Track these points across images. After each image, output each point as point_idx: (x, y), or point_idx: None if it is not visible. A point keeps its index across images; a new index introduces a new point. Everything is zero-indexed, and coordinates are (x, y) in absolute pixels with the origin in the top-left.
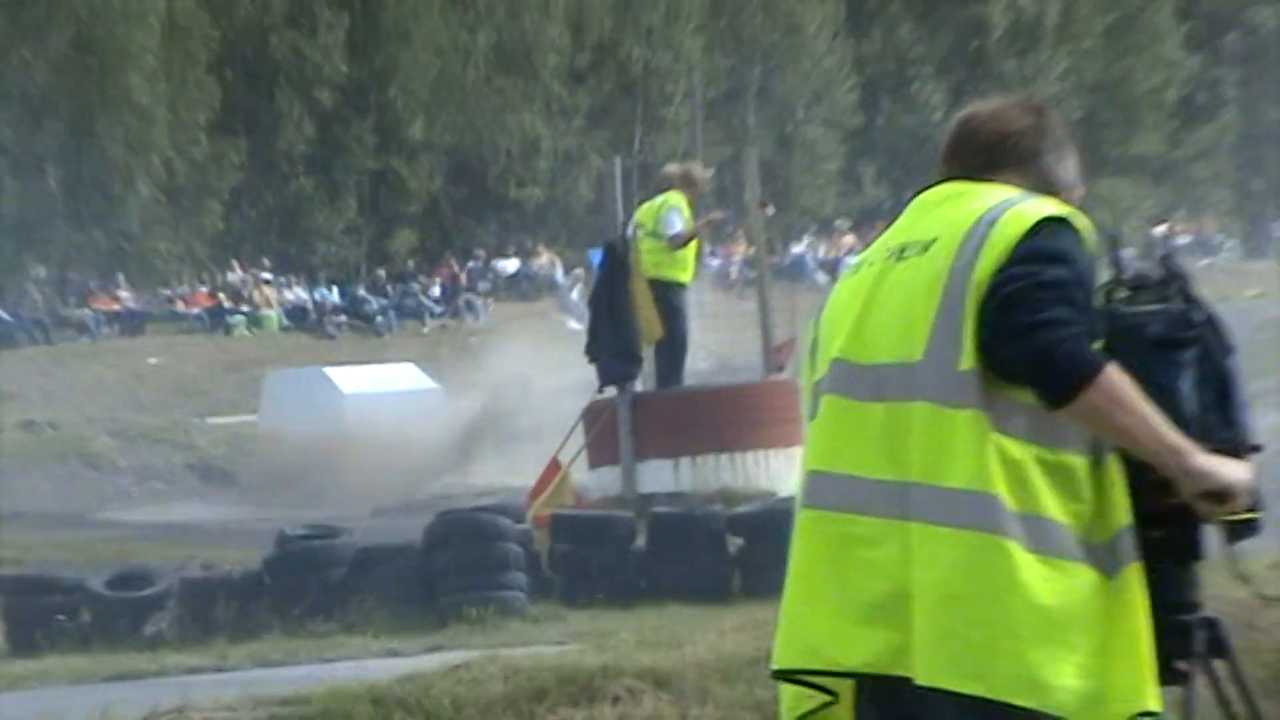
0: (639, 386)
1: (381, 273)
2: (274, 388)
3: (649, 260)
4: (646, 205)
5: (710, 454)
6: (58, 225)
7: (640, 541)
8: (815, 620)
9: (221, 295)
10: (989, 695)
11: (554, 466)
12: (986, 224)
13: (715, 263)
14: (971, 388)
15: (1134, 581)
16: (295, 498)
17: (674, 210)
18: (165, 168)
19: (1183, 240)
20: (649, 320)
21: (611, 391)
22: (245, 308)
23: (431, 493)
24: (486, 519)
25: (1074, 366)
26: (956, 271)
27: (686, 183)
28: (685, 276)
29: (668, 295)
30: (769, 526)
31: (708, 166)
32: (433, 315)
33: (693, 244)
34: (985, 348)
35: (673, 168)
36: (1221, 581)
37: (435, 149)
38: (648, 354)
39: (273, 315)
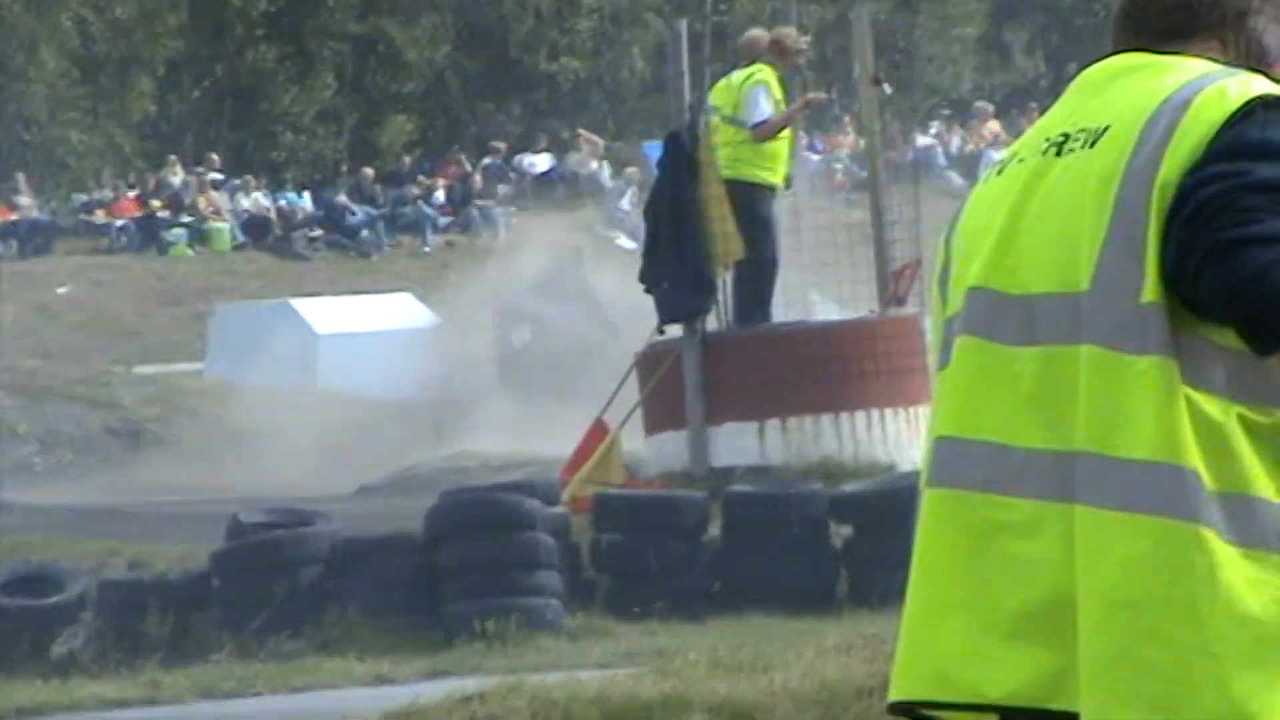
0: (711, 325)
1: (368, 173)
2: (225, 326)
3: (727, 156)
4: (723, 83)
5: (807, 415)
6: None
7: (713, 531)
8: (947, 636)
9: (154, 203)
10: None
11: (598, 431)
12: (1175, 107)
13: (814, 159)
14: (1156, 327)
15: None
16: (253, 472)
17: (760, 89)
18: (78, 31)
19: None
20: (726, 236)
21: (675, 331)
22: (186, 219)
23: (433, 465)
24: (507, 501)
25: None
26: (1135, 171)
27: (777, 52)
28: (775, 177)
29: (752, 202)
30: (885, 511)
31: (804, 31)
32: (436, 229)
33: (784, 134)
34: (1174, 273)
35: (758, 32)
36: None
37: (440, 6)
38: (723, 281)
39: (223, 229)
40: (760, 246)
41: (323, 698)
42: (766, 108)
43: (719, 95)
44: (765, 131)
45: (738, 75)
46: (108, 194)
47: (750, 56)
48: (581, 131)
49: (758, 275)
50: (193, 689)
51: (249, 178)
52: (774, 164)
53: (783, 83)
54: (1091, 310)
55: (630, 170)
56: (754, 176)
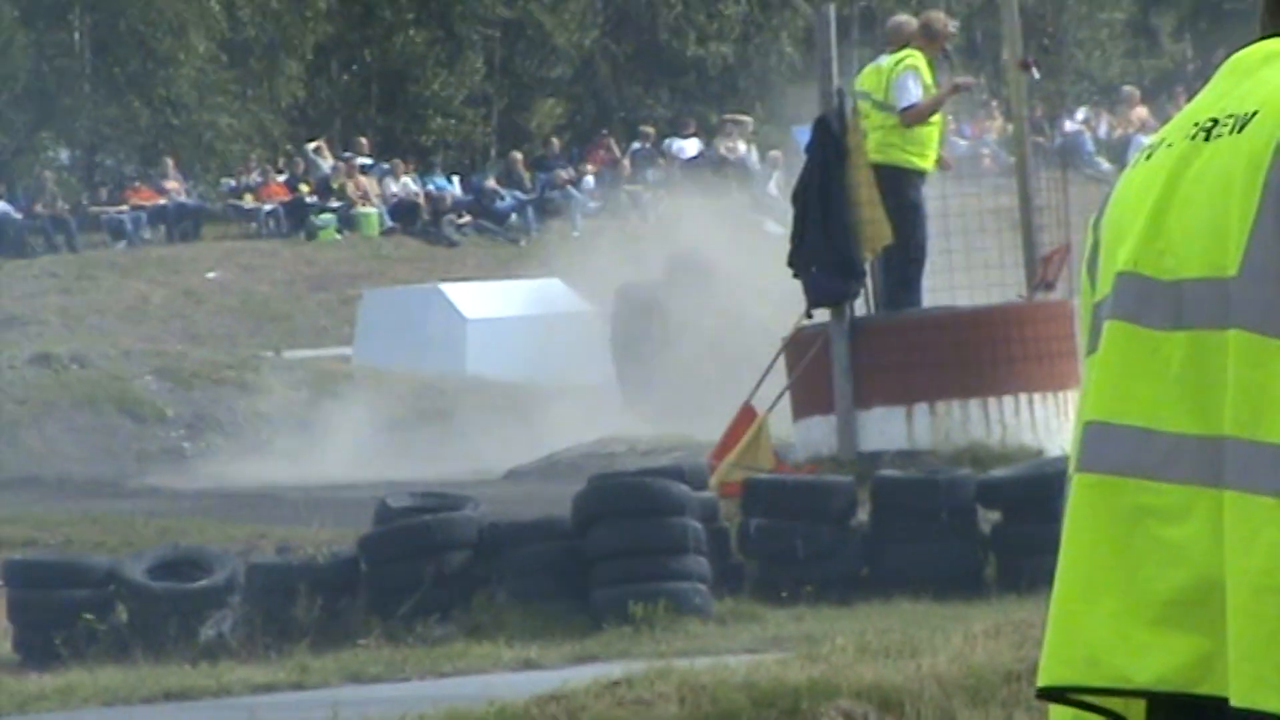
0: (860, 309)
1: (517, 157)
2: (374, 311)
3: (876, 140)
4: (873, 67)
5: (955, 400)
6: (84, 93)
7: (861, 516)
8: (1096, 621)
9: (303, 187)
10: None
11: (746, 416)
12: None
13: (962, 144)
14: None
15: None
16: (401, 456)
17: (909, 74)
18: (227, 15)
19: None
20: (874, 221)
21: (823, 316)
22: (335, 204)
23: (583, 450)
24: (655, 486)
25: None
26: None
27: (926, 37)
28: (924, 162)
29: (901, 187)
30: (1033, 496)
31: (952, 16)
32: (585, 214)
33: (935, 119)
34: None
35: (906, 17)
36: None
37: None
38: (871, 266)
39: (372, 214)
40: (909, 231)
41: (471, 682)
42: (916, 92)
43: (868, 80)
44: (914, 116)
45: (887, 60)
46: (255, 179)
47: (899, 41)
48: (729, 115)
49: (906, 260)
50: (340, 673)
51: (397, 162)
52: (923, 148)
53: (932, 67)
54: (1240, 295)
55: (774, 153)
56: (903, 161)
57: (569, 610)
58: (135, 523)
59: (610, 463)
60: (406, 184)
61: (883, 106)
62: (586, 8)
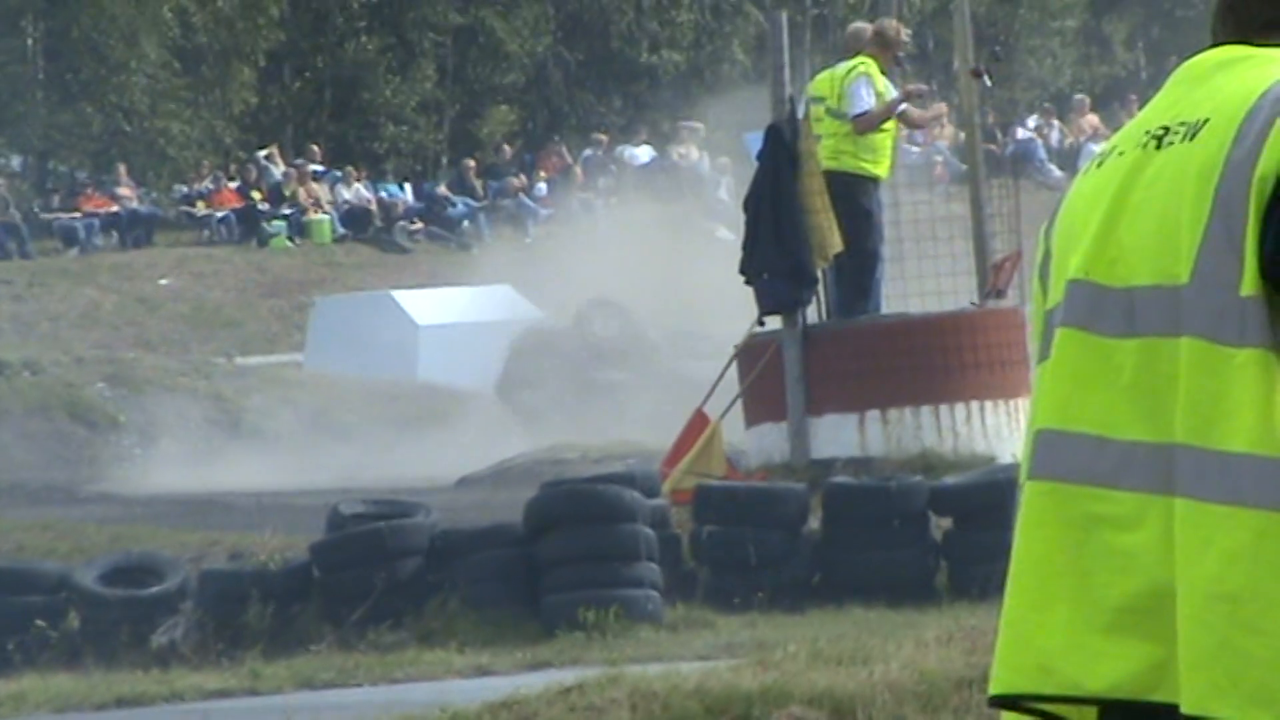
0: (811, 317)
1: (469, 164)
2: (325, 318)
3: (829, 147)
4: (828, 73)
5: (907, 407)
6: (37, 100)
7: (814, 523)
8: (1048, 629)
9: (255, 194)
10: None
11: (699, 423)
12: (1276, 100)
13: (914, 151)
14: (1256, 319)
15: None
16: (352, 463)
17: (861, 80)
18: (179, 22)
19: None
20: (826, 228)
21: (775, 323)
22: (287, 210)
23: (534, 456)
24: (608, 492)
25: None
26: (1235, 163)
27: (880, 44)
28: (878, 170)
29: (854, 194)
30: (985, 504)
31: (905, 23)
32: (537, 221)
33: (888, 126)
34: (1273, 264)
35: (862, 24)
36: None
37: None
38: (823, 273)
39: (324, 221)
40: (862, 239)
41: (423, 689)
42: (868, 99)
43: (822, 86)
44: (866, 123)
45: (841, 67)
46: (208, 185)
47: (855, 48)
48: (681, 122)
49: (860, 268)
50: (293, 680)
51: (350, 169)
52: (876, 156)
53: (885, 74)
54: (1191, 302)
55: (722, 160)
56: (856, 168)
57: (521, 617)
58: (87, 529)
59: (562, 469)
60: (359, 191)
61: (835, 114)
62: (539, 15)
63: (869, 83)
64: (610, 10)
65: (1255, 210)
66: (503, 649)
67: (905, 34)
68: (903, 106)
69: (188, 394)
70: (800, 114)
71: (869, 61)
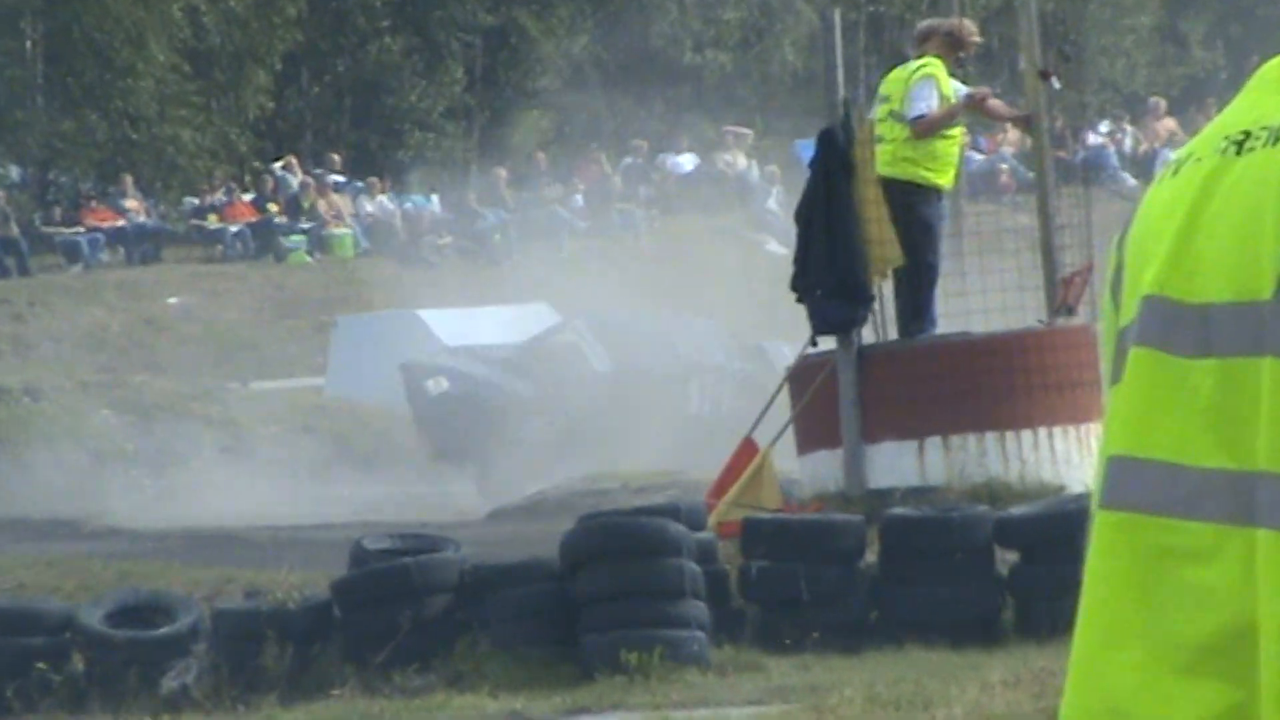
0: (867, 337)
1: (500, 174)
2: (347, 339)
3: (888, 153)
4: (897, 72)
5: (970, 433)
6: (36, 106)
7: (870, 557)
8: (1119, 669)
9: (271, 207)
10: None
11: (747, 450)
12: None
13: (977, 159)
14: None
15: None
16: (377, 495)
17: (926, 82)
18: (189, 22)
19: None
20: (883, 241)
21: (829, 344)
22: (306, 224)
23: (571, 487)
24: (650, 525)
25: None
26: None
27: (949, 44)
28: (941, 179)
29: (913, 204)
30: (1054, 536)
31: (969, 21)
32: (573, 233)
33: (954, 133)
34: None
35: (934, 22)
36: None
37: None
38: (880, 290)
39: (345, 235)
40: (921, 252)
41: None
42: (930, 102)
43: (891, 85)
44: (924, 127)
45: (910, 65)
46: (221, 197)
47: (923, 47)
48: (727, 128)
49: (918, 283)
50: None
51: (373, 179)
52: (940, 164)
53: (952, 76)
54: (1275, 320)
55: (771, 168)
56: (917, 176)
57: (557, 659)
58: (93, 566)
59: (601, 500)
60: (382, 203)
61: (897, 116)
62: (575, 13)
63: (933, 85)
64: (651, 8)
65: None
66: (538, 693)
67: (976, 35)
68: (989, 101)
69: (200, 421)
70: (855, 118)
71: (936, 62)
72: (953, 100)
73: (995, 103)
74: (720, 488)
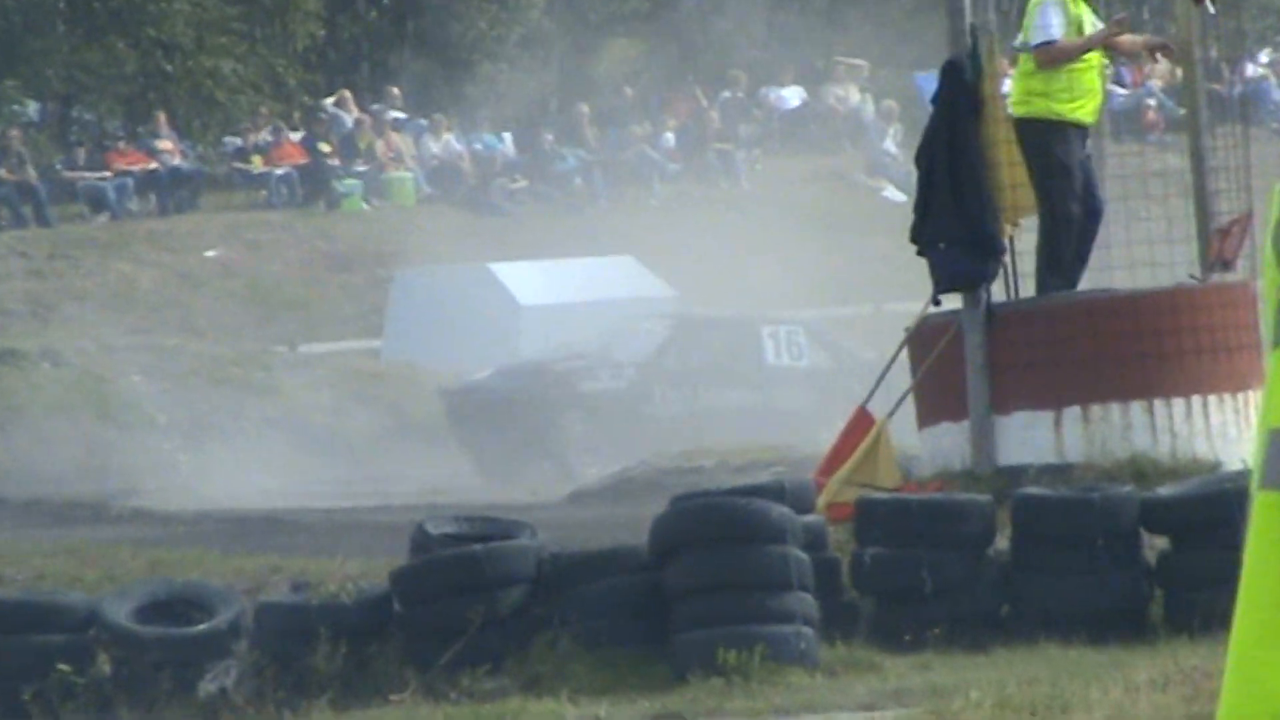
0: (997, 295)
1: (583, 110)
2: (407, 296)
3: (1019, 89)
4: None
5: (1114, 402)
6: (57, 34)
7: (1001, 543)
8: None
9: (323, 147)
10: None
11: (862, 422)
12: None
13: (1121, 94)
14: None
15: None
16: (442, 473)
17: (1049, 5)
18: None
19: None
20: (1016, 186)
21: (954, 302)
22: (361, 167)
23: (662, 464)
24: (751, 508)
25: None
26: None
27: None
28: (1079, 113)
29: (1048, 144)
30: (1208, 519)
31: None
32: (664, 177)
33: (1092, 61)
34: None
35: None
36: None
37: None
38: (1011, 241)
39: (406, 179)
40: (1057, 199)
41: None
42: (1055, 27)
43: (1028, 13)
44: (1049, 55)
45: None
46: (265, 137)
47: None
48: (839, 58)
49: (1054, 234)
50: None
51: (438, 117)
52: (1075, 96)
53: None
54: None
55: (888, 104)
56: (1048, 111)
57: (646, 659)
58: (120, 553)
59: (695, 480)
60: (448, 143)
61: (1023, 46)
62: None
63: (1059, 8)
64: None
65: None
66: (624, 697)
67: None
68: (1121, 38)
69: (241, 389)
70: (984, 46)
71: None
72: (1085, 26)
73: (1127, 37)
74: (831, 464)
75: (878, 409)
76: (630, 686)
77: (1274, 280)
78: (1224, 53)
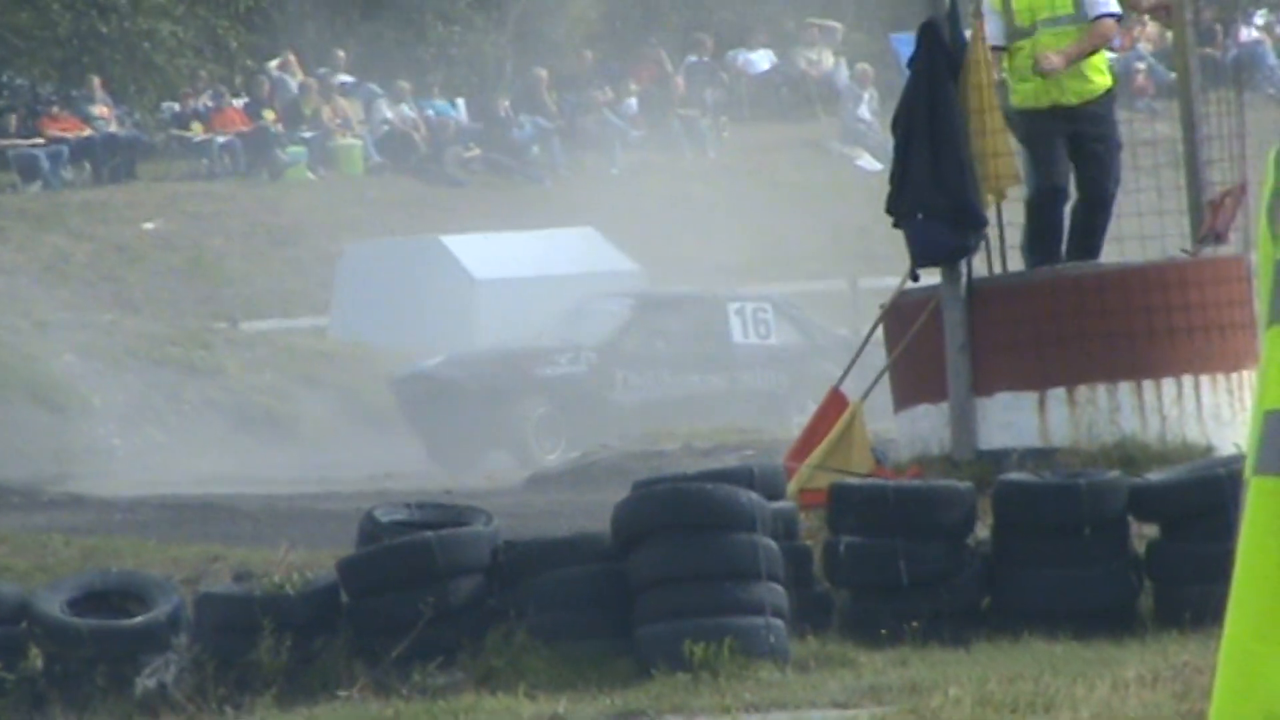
0: (979, 269)
1: (540, 74)
2: (356, 271)
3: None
4: None
5: (1101, 384)
6: None
7: (982, 532)
8: (1277, 664)
9: (266, 114)
10: None
11: (834, 405)
12: None
13: (1109, 58)
14: None
15: None
16: (392, 457)
17: None
18: None
19: None
20: (998, 154)
21: (932, 278)
22: (307, 133)
23: (624, 447)
24: (718, 494)
25: None
26: None
27: None
28: (1016, 98)
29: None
30: (1200, 507)
31: None
32: (626, 145)
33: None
34: None
35: None
36: None
37: None
38: (995, 213)
39: (354, 147)
40: (1043, 167)
41: None
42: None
43: None
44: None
45: None
46: (206, 103)
47: None
48: (811, 20)
49: (1040, 205)
50: None
51: (401, 84)
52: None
53: None
54: None
55: (863, 67)
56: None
57: (607, 652)
58: (52, 542)
59: (660, 464)
60: (401, 110)
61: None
62: None
63: None
64: None
65: None
66: (584, 693)
67: None
68: None
69: (180, 368)
70: (963, 6)
71: None
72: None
73: None
74: (803, 448)
75: (852, 390)
76: (591, 682)
77: (1269, 254)
78: (1217, 14)
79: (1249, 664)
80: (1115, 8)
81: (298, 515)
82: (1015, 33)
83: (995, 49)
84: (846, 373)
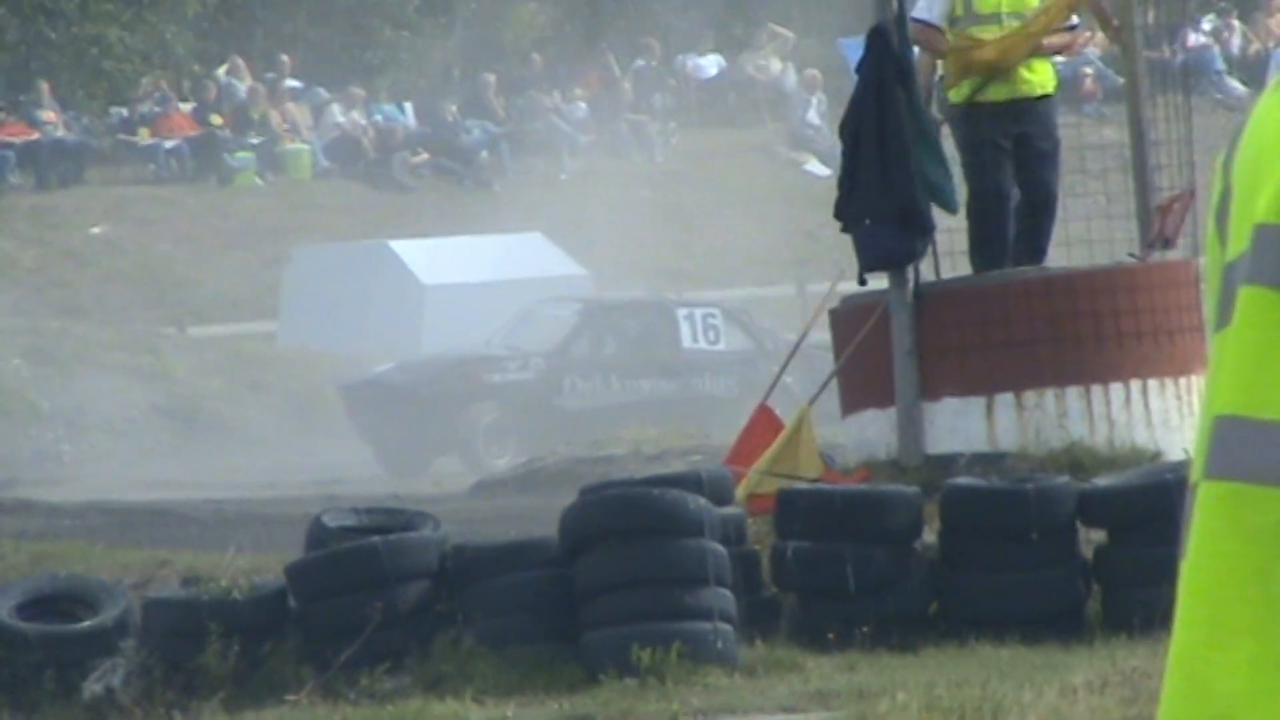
0: (925, 274)
1: (488, 79)
2: (305, 275)
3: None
4: None
5: (1049, 388)
6: None
7: (929, 537)
8: (1229, 670)
9: (214, 119)
10: None
11: (763, 418)
12: None
13: (1056, 63)
14: None
15: None
16: (339, 462)
17: None
18: None
19: None
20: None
21: (880, 282)
22: (255, 139)
23: (570, 453)
24: (666, 499)
25: None
26: None
27: None
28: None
29: (976, 116)
30: (1148, 511)
31: None
32: (575, 150)
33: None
34: None
35: None
36: None
37: None
38: (943, 218)
39: (302, 152)
40: (983, 174)
41: None
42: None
43: None
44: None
45: None
46: (154, 108)
47: None
48: (772, 25)
49: (982, 212)
50: None
51: (355, 90)
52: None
53: None
54: None
55: (812, 73)
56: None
57: (555, 657)
58: (1, 547)
59: (608, 469)
60: (350, 116)
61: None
62: None
63: None
64: None
65: None
66: (532, 699)
67: None
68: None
69: (128, 374)
70: (917, 11)
71: None
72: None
73: None
74: (742, 453)
75: (803, 394)
76: (539, 687)
77: (1217, 259)
78: (1164, 19)
79: (1197, 668)
80: None
81: (245, 520)
82: (977, 19)
83: (932, 28)
84: (773, 386)
